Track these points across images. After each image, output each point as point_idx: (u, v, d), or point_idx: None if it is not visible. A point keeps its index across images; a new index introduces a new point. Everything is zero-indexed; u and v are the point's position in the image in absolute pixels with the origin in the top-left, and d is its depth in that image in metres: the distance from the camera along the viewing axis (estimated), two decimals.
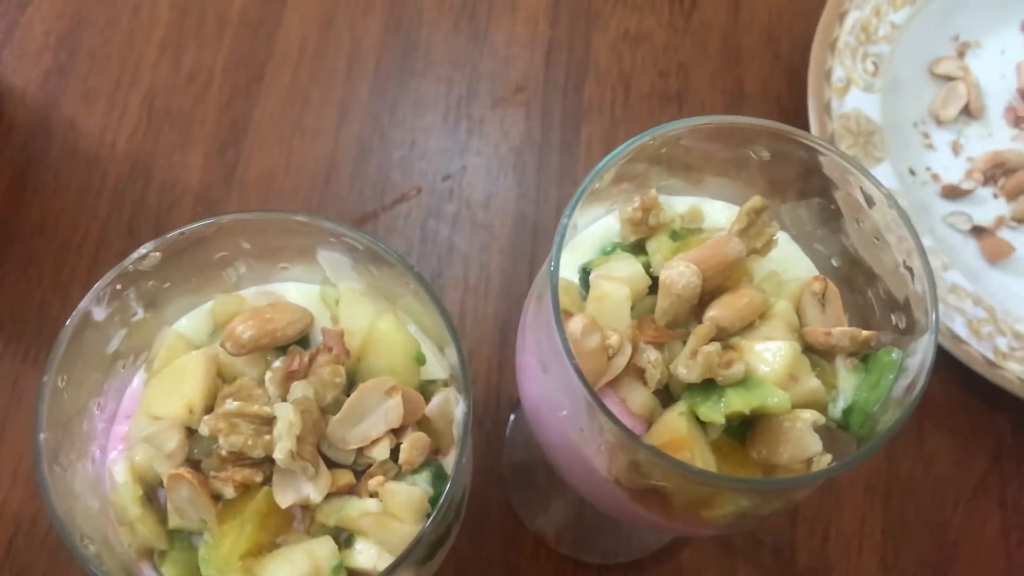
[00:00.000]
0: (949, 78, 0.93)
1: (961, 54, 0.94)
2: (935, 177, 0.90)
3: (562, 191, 0.90)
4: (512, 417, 0.83)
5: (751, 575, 0.78)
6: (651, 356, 0.50)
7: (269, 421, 0.47)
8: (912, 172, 0.89)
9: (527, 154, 0.91)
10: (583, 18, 0.97)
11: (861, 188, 0.50)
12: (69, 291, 0.84)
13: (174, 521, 0.48)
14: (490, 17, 0.96)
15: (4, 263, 0.85)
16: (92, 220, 0.86)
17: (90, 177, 0.88)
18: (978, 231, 0.88)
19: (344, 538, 0.49)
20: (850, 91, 0.87)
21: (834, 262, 0.55)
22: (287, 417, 0.46)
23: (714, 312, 0.51)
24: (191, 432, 0.49)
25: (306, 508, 0.49)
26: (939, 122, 0.92)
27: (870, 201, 0.50)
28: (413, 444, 0.48)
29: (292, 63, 0.93)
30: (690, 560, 0.79)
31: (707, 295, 0.52)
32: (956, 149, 0.91)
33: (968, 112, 0.92)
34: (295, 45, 0.94)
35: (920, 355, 0.47)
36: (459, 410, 0.49)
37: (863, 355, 0.52)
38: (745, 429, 0.50)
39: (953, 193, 0.89)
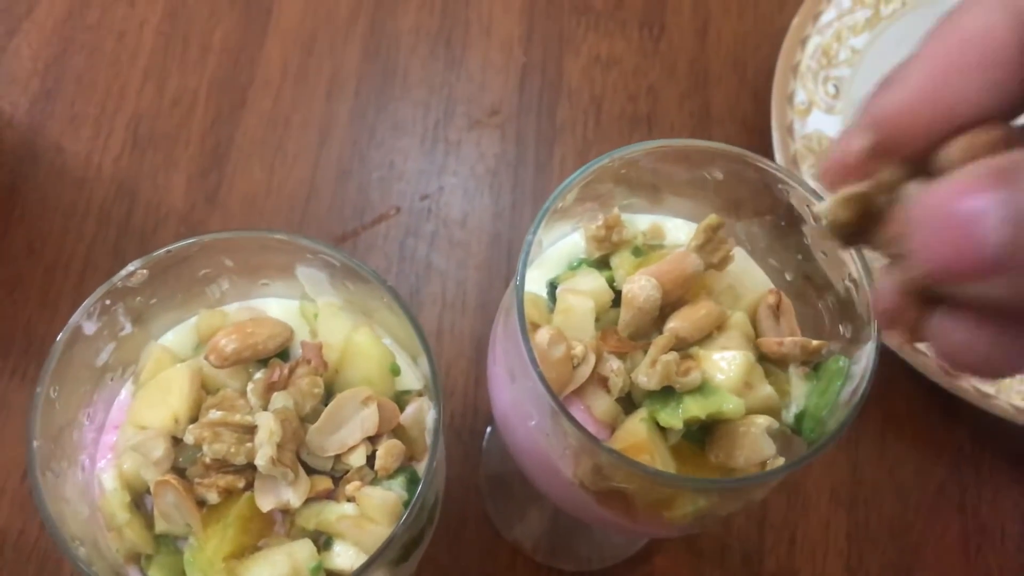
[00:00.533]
0: None
1: None
2: None
3: (536, 209, 0.92)
4: (488, 430, 0.85)
5: None
6: (614, 365, 0.53)
7: (251, 430, 0.50)
8: None
9: (502, 174, 0.94)
10: (555, 43, 1.00)
11: (808, 206, 0.53)
12: (57, 310, 0.86)
13: (160, 526, 0.50)
14: (465, 43, 1.00)
15: None
16: (78, 241, 0.89)
17: (76, 199, 0.90)
18: None
19: (323, 540, 0.51)
20: (812, 113, 0.91)
21: (787, 276, 0.58)
22: (268, 425, 0.48)
23: (674, 323, 0.54)
24: (176, 441, 0.51)
25: (286, 512, 0.51)
26: None
27: (815, 217, 0.53)
28: (388, 451, 0.51)
29: (274, 88, 0.96)
30: (662, 565, 0.81)
31: (667, 307, 0.55)
32: None
33: None
34: (276, 70, 0.97)
35: (864, 362, 0.50)
36: (430, 416, 0.51)
37: (814, 363, 0.55)
38: (703, 434, 0.53)
39: None
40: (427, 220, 0.92)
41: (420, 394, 0.55)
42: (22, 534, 0.78)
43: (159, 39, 0.98)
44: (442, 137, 0.96)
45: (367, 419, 0.51)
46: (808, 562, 0.82)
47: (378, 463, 0.51)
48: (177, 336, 0.56)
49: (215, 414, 0.49)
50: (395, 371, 0.55)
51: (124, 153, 0.93)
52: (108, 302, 0.49)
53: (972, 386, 0.82)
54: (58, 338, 0.47)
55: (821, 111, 0.91)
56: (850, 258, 0.51)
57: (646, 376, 0.52)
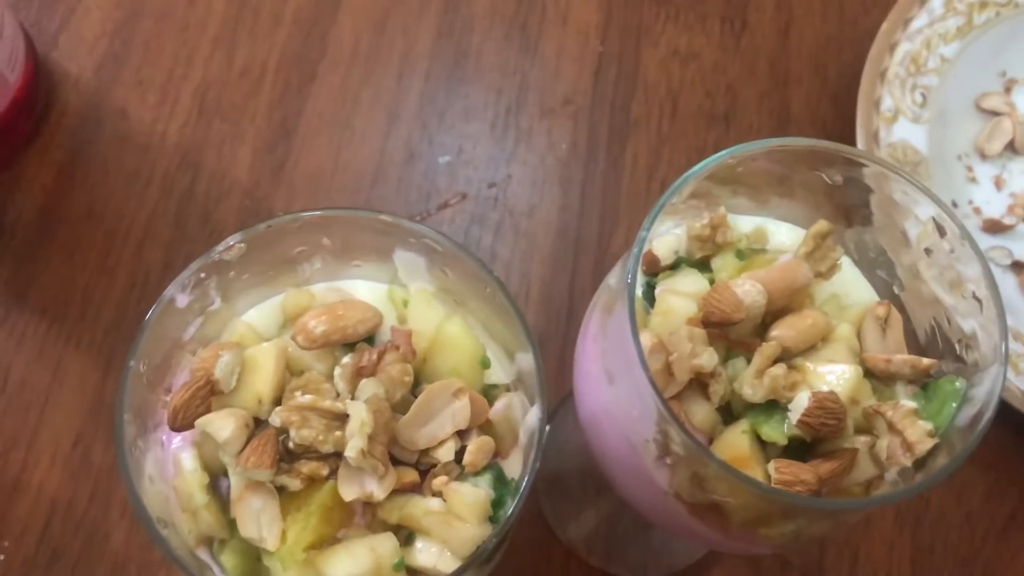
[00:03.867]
0: (995, 113, 0.93)
1: (1008, 90, 0.95)
2: (977, 211, 0.90)
3: (605, 205, 0.90)
4: (547, 428, 0.83)
5: None
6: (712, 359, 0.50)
7: (340, 417, 0.48)
8: (955, 204, 0.90)
9: (572, 166, 0.92)
10: (633, 34, 0.98)
11: (934, 219, 0.50)
12: (114, 278, 0.84)
13: (245, 530, 0.48)
14: (541, 29, 0.97)
15: (50, 247, 0.85)
16: (139, 209, 0.87)
17: (139, 166, 0.89)
18: (1018, 267, 0.88)
19: (404, 535, 0.49)
20: (898, 121, 0.88)
21: (895, 289, 0.56)
22: (360, 416, 0.46)
23: (778, 332, 0.52)
24: (259, 422, 0.49)
25: (368, 504, 0.49)
26: (983, 156, 0.92)
27: (941, 231, 0.51)
28: (480, 447, 0.49)
29: (344, 64, 0.94)
30: None
31: (769, 316, 0.53)
32: (999, 184, 0.92)
33: (1012, 148, 0.92)
34: (348, 47, 0.95)
35: (988, 385, 0.47)
36: (533, 415, 0.49)
37: (923, 383, 0.53)
38: (805, 450, 0.51)
39: (994, 228, 0.89)
40: (493, 209, 0.90)
41: (508, 389, 0.53)
42: (71, 505, 0.77)
43: (230, 7, 0.96)
44: (513, 124, 0.93)
45: (458, 413, 0.49)
46: None
47: (467, 459, 0.49)
48: (261, 314, 0.54)
49: (304, 398, 0.47)
50: (485, 364, 0.53)
51: (190, 122, 0.91)
52: (203, 275, 0.47)
53: None
54: (152, 310, 0.45)
55: (908, 119, 0.88)
56: (978, 274, 0.48)
57: (751, 388, 0.49)
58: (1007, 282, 0.88)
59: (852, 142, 0.87)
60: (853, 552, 0.80)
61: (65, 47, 0.93)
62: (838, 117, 0.94)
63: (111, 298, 0.84)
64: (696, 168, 0.49)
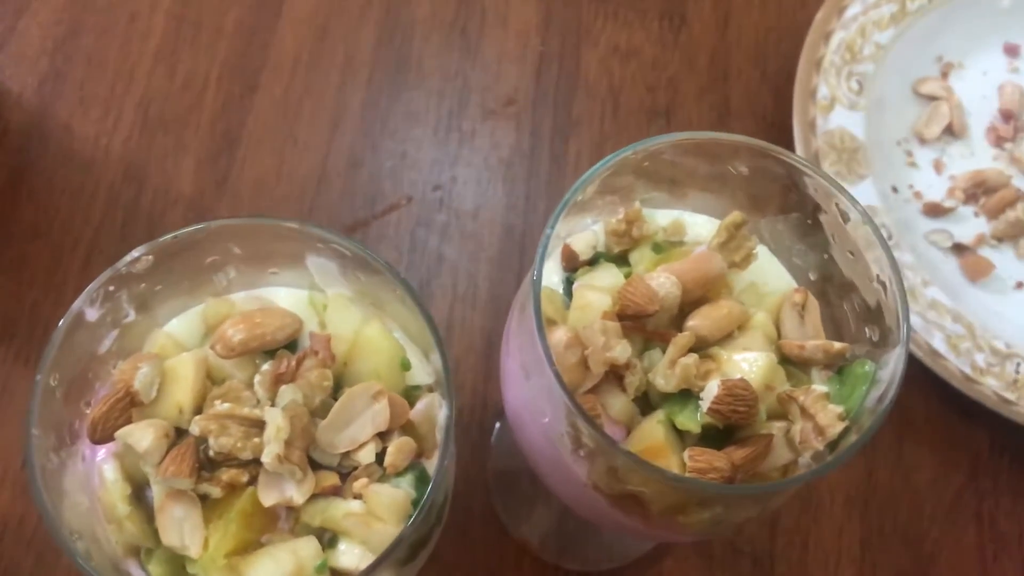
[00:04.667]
0: (933, 98, 0.94)
1: (944, 75, 0.96)
2: (917, 195, 0.91)
3: (550, 203, 0.91)
4: (497, 425, 0.84)
5: None
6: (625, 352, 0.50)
7: (258, 424, 0.48)
8: (895, 190, 0.90)
9: (516, 166, 0.92)
10: (573, 33, 0.98)
11: (837, 204, 0.51)
12: (62, 293, 0.85)
13: (167, 538, 0.48)
14: (482, 31, 0.98)
15: None
16: (85, 224, 0.87)
17: (84, 181, 0.89)
18: (959, 249, 0.89)
19: (328, 538, 0.50)
20: (835, 109, 0.89)
21: (811, 276, 0.56)
22: (275, 422, 0.47)
23: (693, 322, 0.52)
24: (181, 432, 0.50)
25: (291, 508, 0.50)
26: (922, 141, 0.93)
27: (845, 217, 0.51)
28: (399, 448, 0.49)
29: (286, 73, 0.95)
30: (671, 568, 0.80)
31: (688, 306, 0.53)
32: (939, 167, 0.93)
33: (951, 131, 0.94)
34: (289, 56, 0.95)
35: (892, 366, 0.48)
36: (442, 414, 0.50)
37: (838, 367, 0.53)
38: (721, 437, 0.51)
39: (935, 211, 0.90)
40: (439, 211, 0.90)
41: (430, 390, 0.54)
42: (22, 522, 0.77)
43: (170, 21, 0.96)
44: (456, 127, 0.94)
45: (378, 415, 0.49)
46: (820, 568, 0.80)
47: (388, 460, 0.50)
48: (182, 324, 0.54)
49: (222, 406, 0.48)
50: (405, 366, 0.53)
51: (133, 136, 0.91)
52: (111, 288, 0.48)
53: (992, 392, 0.80)
54: (59, 324, 0.46)
55: (844, 107, 0.89)
56: (882, 258, 0.49)
57: (664, 378, 0.50)
58: (949, 264, 0.89)
59: (790, 132, 0.88)
60: (803, 537, 0.81)
61: (6, 65, 0.93)
62: (777, 108, 0.95)
63: (58, 314, 0.82)
64: (598, 166, 0.50)
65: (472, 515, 0.80)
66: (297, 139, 0.92)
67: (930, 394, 0.85)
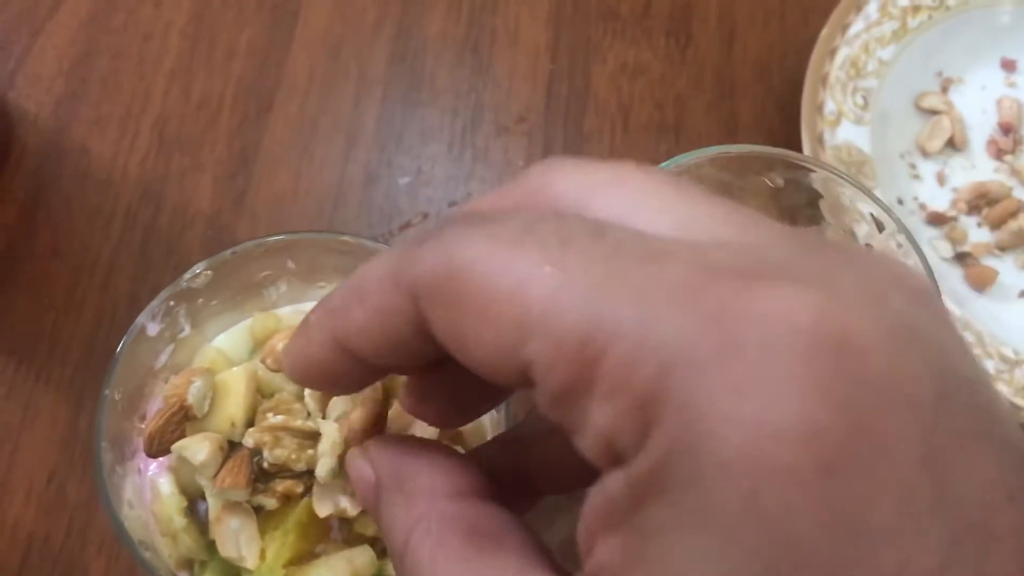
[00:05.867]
0: (934, 112, 0.97)
1: (944, 89, 0.98)
2: (923, 207, 0.93)
3: None
4: None
5: None
6: None
7: (311, 435, 0.49)
8: (900, 201, 0.93)
9: None
10: (582, 51, 1.00)
11: (872, 215, 0.53)
12: (81, 313, 0.85)
13: (224, 551, 0.49)
14: (492, 50, 0.99)
15: (16, 286, 0.86)
16: (104, 243, 0.88)
17: (102, 201, 0.90)
18: (962, 258, 0.91)
19: (380, 548, 0.50)
20: (841, 123, 0.91)
21: None
22: (331, 437, 0.48)
23: None
24: (233, 445, 0.50)
25: (344, 519, 0.50)
26: (925, 154, 0.96)
27: (880, 227, 0.53)
28: None
29: (300, 92, 0.96)
30: None
31: None
32: (941, 180, 0.95)
33: (952, 144, 0.96)
34: (303, 74, 0.96)
35: None
36: (493, 413, 0.51)
37: None
38: None
39: (938, 220, 0.92)
40: None
41: None
42: (47, 540, 0.77)
43: (185, 42, 0.97)
44: (470, 143, 0.95)
45: (430, 427, 0.50)
46: None
47: None
48: (230, 339, 0.55)
49: (276, 418, 0.49)
50: None
51: (150, 156, 0.92)
52: (172, 303, 0.49)
53: (1003, 398, 0.82)
54: (124, 339, 0.47)
55: (850, 122, 0.91)
56: (918, 266, 0.51)
57: None
58: (953, 274, 0.91)
59: (798, 145, 0.90)
60: None
61: (22, 87, 0.94)
62: (784, 122, 0.97)
63: (79, 333, 0.84)
64: None
65: None
66: (313, 156, 0.93)
67: None
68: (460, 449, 0.52)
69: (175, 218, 0.89)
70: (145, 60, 0.96)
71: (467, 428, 0.52)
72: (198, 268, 0.48)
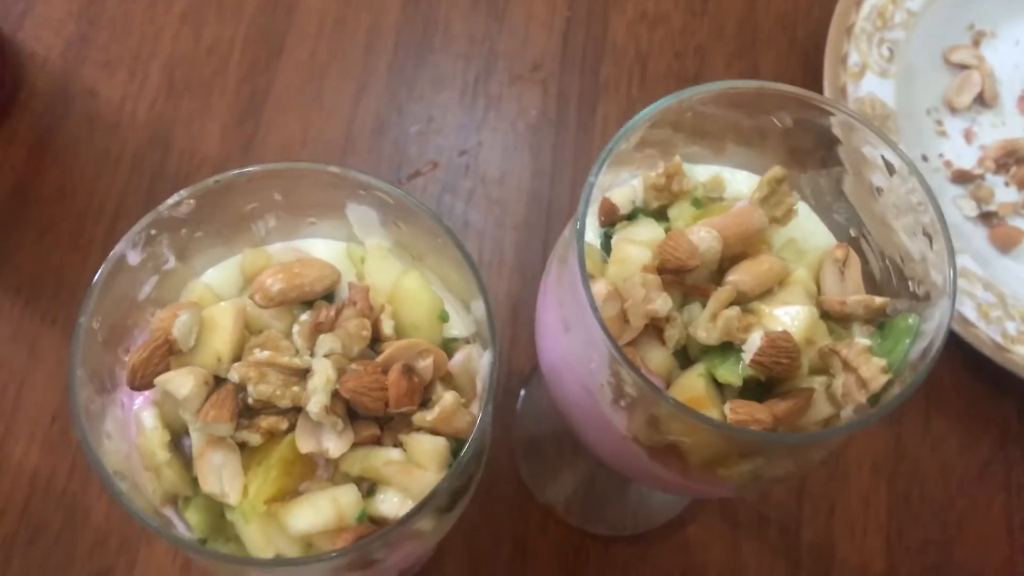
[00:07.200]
0: (964, 66, 0.93)
1: (976, 43, 0.95)
2: (947, 164, 0.90)
3: (577, 170, 0.90)
4: (523, 392, 0.84)
5: (757, 550, 0.79)
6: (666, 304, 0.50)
7: (297, 372, 0.48)
8: (925, 158, 0.90)
9: (543, 132, 0.92)
10: None
11: (883, 156, 0.51)
12: (87, 256, 0.85)
13: (206, 486, 0.48)
14: None
15: (23, 228, 0.85)
16: (111, 187, 0.87)
17: (110, 144, 0.89)
18: (987, 218, 0.89)
19: (367, 487, 0.49)
20: (865, 76, 0.88)
21: (852, 232, 0.56)
22: (325, 372, 0.47)
23: (734, 276, 0.52)
24: (219, 381, 0.50)
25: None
26: (953, 110, 0.92)
27: (891, 169, 0.51)
28: (453, 400, 0.49)
29: (311, 37, 0.94)
30: (696, 534, 0.79)
31: (727, 261, 0.53)
32: (969, 137, 0.92)
33: (982, 101, 0.93)
34: (314, 20, 0.95)
35: (937, 319, 0.48)
36: (485, 359, 0.49)
37: (878, 323, 0.53)
38: (762, 392, 0.51)
39: (964, 178, 0.89)
40: (465, 177, 0.90)
41: (468, 342, 0.54)
42: (51, 479, 0.77)
43: None
44: (482, 92, 0.93)
45: (422, 372, 0.49)
46: (847, 535, 0.80)
47: (440, 416, 0.49)
48: (219, 274, 0.54)
49: (262, 354, 0.48)
50: (444, 317, 0.53)
51: (159, 100, 0.91)
52: (153, 232, 0.47)
53: (1023, 359, 0.80)
54: (101, 267, 0.46)
55: (875, 74, 0.88)
56: (928, 210, 0.49)
57: (706, 331, 0.50)
58: (977, 233, 0.88)
59: None
60: (830, 504, 0.81)
61: (31, 29, 0.93)
62: (807, 75, 0.94)
63: (85, 276, 0.83)
64: (642, 114, 0.49)
65: (498, 479, 0.80)
66: (323, 104, 0.91)
67: (959, 364, 0.85)
68: (457, 395, 0.51)
69: (183, 163, 0.89)
70: (156, 2, 0.95)
71: (456, 370, 0.50)
72: (178, 196, 0.47)
